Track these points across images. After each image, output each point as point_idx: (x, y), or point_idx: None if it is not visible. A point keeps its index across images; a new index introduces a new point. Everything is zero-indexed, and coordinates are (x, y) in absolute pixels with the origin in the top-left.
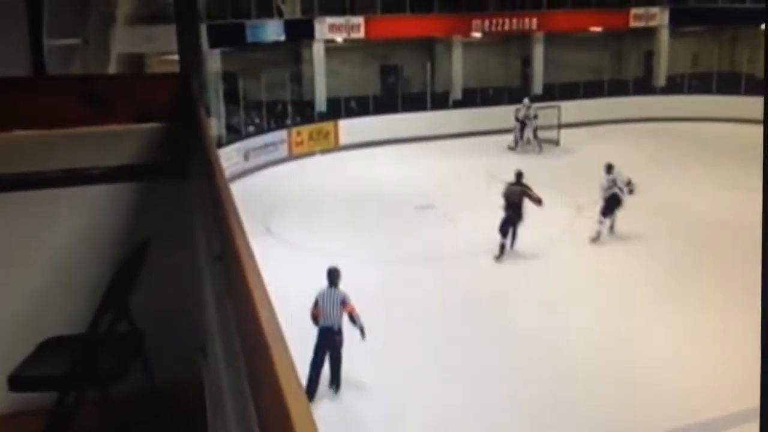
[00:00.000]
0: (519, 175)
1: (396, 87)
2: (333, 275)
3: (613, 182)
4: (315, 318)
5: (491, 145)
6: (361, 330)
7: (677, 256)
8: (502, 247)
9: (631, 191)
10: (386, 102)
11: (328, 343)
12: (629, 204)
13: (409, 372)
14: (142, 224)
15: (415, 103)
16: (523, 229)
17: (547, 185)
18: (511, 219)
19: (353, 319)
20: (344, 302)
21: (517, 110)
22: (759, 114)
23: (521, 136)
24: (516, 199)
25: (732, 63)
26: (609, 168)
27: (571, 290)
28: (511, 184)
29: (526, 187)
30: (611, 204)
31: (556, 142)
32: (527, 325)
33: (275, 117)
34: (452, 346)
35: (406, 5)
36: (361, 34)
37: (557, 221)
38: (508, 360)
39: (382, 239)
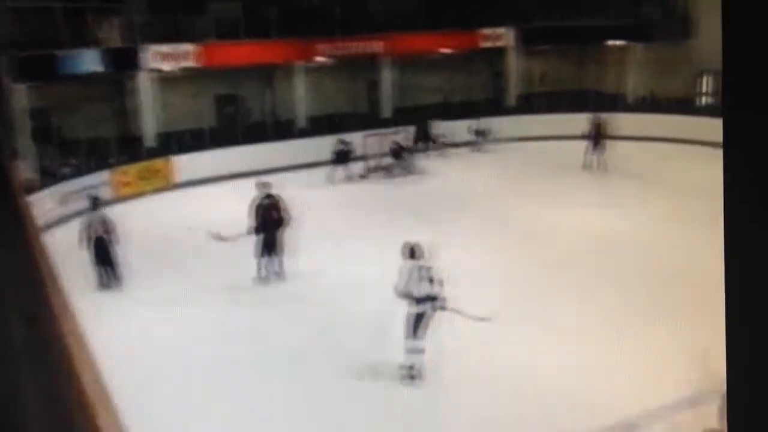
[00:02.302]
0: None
1: (235, 117)
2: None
3: None
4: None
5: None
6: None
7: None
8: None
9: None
10: (225, 134)
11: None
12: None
13: None
14: None
15: (256, 133)
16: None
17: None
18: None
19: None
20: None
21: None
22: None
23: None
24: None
25: (580, 81)
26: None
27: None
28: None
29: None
30: None
31: (410, 168)
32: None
33: (97, 156)
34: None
35: (242, 31)
36: (193, 62)
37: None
38: None
39: (218, 288)
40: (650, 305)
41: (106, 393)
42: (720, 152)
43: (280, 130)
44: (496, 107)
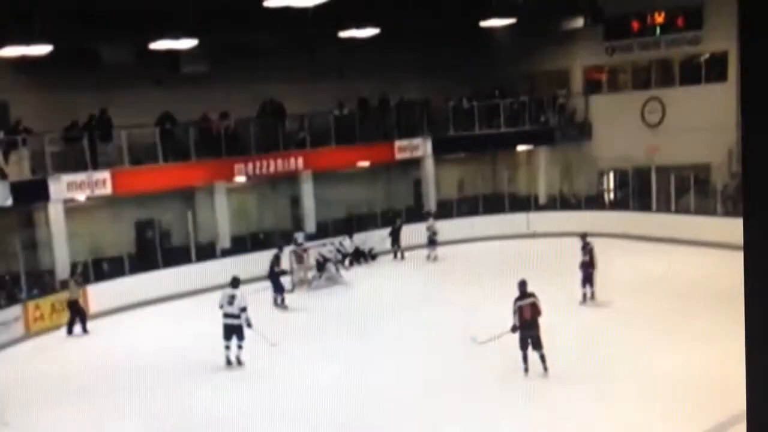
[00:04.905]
0: None
1: (155, 242)
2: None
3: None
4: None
5: (267, 290)
6: None
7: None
8: None
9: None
10: (144, 259)
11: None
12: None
13: None
14: None
15: (177, 257)
16: None
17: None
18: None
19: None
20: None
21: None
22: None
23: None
24: None
25: (494, 184)
26: None
27: None
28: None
29: None
30: None
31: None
32: None
33: (6, 292)
34: None
35: (159, 155)
36: (107, 190)
37: None
38: None
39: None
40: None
41: None
42: (643, 245)
43: (203, 251)
44: (417, 214)
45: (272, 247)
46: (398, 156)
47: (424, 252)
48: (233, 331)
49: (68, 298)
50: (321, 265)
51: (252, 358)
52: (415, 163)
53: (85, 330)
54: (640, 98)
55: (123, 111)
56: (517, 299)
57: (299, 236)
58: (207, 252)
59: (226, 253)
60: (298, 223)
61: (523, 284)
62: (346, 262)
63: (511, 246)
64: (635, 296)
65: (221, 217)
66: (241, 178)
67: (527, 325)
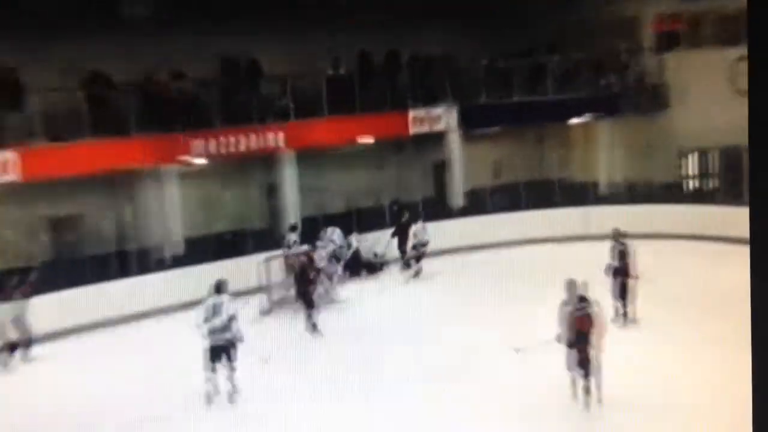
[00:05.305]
0: None
1: (78, 247)
2: None
3: None
4: None
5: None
6: None
7: None
8: None
9: None
10: (64, 270)
11: None
12: None
13: None
14: None
15: (108, 267)
16: None
17: None
18: None
19: None
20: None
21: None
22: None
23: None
24: None
25: (541, 169)
26: None
27: None
28: None
29: None
30: None
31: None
32: None
33: None
34: None
35: (86, 128)
36: (14, 175)
37: None
38: None
39: None
40: None
41: None
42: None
43: (145, 260)
44: (440, 209)
45: (242, 254)
46: (413, 130)
47: (443, 261)
48: (222, 351)
49: None
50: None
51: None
52: (436, 139)
53: None
54: (729, 56)
55: (38, 69)
56: (568, 305)
57: (291, 237)
58: (152, 260)
59: (178, 262)
60: (276, 221)
61: (573, 285)
62: (340, 269)
63: (563, 252)
64: (702, 318)
65: (172, 212)
66: (199, 160)
67: (578, 339)
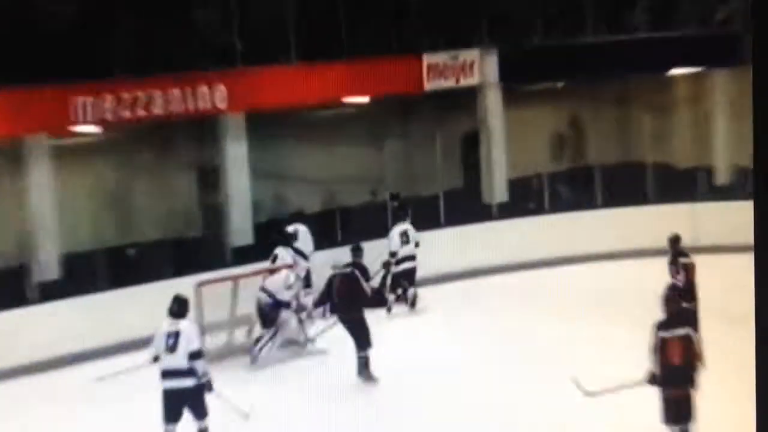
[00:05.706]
0: None
1: None
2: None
3: None
4: None
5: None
6: None
7: None
8: None
9: None
10: None
11: None
12: None
13: None
14: None
15: None
16: None
17: None
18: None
19: None
20: None
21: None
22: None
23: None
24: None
25: (625, 146)
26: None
27: None
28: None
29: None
30: None
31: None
32: None
33: None
34: None
35: None
36: None
37: None
38: None
39: None
40: None
41: None
42: None
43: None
44: (473, 208)
45: (157, 278)
46: (429, 85)
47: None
48: (182, 400)
49: None
50: (268, 315)
51: None
52: (465, 100)
53: None
54: None
55: None
56: (661, 327)
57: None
58: (10, 289)
59: (48, 293)
60: (215, 224)
61: (673, 301)
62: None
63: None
64: None
65: (40, 214)
66: (88, 128)
67: (675, 374)
